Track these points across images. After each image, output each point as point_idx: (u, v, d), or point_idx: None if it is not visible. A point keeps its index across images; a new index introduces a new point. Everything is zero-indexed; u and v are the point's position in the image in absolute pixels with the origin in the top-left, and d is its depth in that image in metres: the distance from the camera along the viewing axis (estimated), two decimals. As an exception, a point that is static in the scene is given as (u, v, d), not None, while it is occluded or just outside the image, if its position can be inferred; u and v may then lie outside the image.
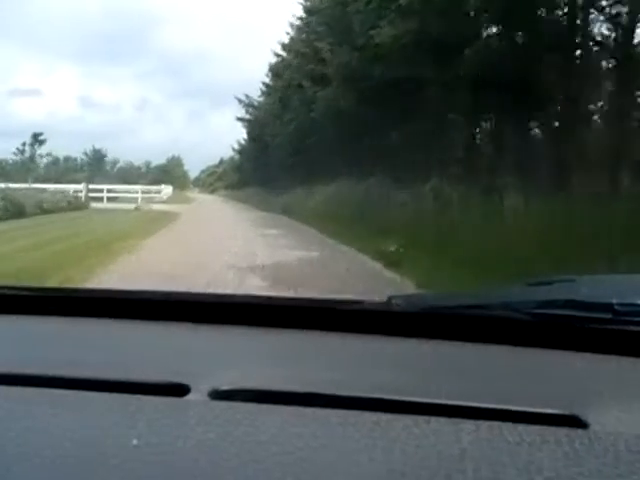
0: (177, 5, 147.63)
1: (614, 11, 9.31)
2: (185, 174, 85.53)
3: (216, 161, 75.91)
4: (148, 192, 35.91)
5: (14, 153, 65.03)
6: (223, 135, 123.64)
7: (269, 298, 1.25)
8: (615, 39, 9.52)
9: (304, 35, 21.09)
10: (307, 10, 21.06)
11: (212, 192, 64.23)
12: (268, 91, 29.33)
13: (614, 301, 0.95)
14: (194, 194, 58.61)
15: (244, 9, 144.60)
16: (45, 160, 69.77)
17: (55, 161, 74.24)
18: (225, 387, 0.76)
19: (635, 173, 8.82)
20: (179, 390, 0.76)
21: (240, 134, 43.68)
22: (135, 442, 0.62)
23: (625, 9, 9.17)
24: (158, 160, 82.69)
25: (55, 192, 25.82)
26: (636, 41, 9.30)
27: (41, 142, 65.85)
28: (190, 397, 0.75)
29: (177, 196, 40.97)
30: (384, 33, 10.03)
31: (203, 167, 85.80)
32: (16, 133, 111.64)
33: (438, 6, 9.56)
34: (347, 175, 16.88)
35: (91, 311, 1.12)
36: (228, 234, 12.38)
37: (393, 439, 0.63)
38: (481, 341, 0.96)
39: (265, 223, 16.60)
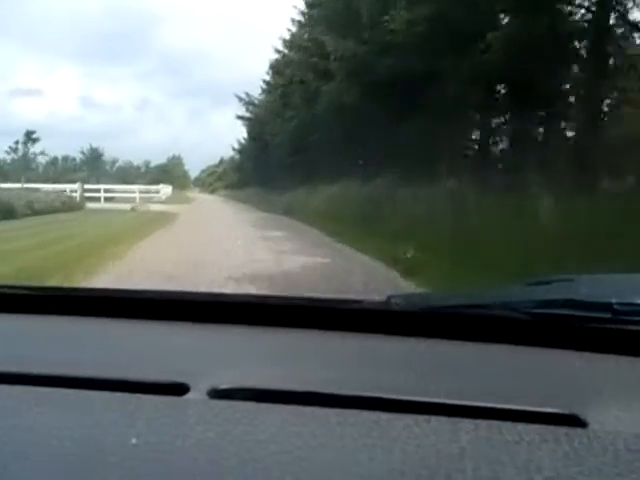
0: (177, 4, 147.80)
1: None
2: (185, 174, 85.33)
3: (217, 161, 75.33)
4: (147, 192, 35.83)
5: (6, 152, 64.36)
6: (224, 134, 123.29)
7: (268, 297, 1.25)
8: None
9: (307, 29, 20.73)
10: (309, 4, 20.62)
11: (212, 192, 63.92)
12: (269, 89, 29.08)
13: (613, 300, 0.95)
14: (194, 194, 58.28)
15: (244, 7, 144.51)
16: (39, 159, 69.21)
17: (54, 161, 73.79)
18: (224, 386, 0.76)
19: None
20: (178, 389, 0.76)
21: (240, 133, 43.45)
22: (134, 441, 0.63)
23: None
24: (159, 160, 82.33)
25: (48, 192, 25.18)
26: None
27: (34, 140, 65.20)
28: (189, 396, 0.75)
29: (176, 196, 40.79)
30: (399, 18, 9.29)
31: (204, 167, 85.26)
32: (17, 133, 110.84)
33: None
34: (352, 174, 16.39)
35: (90, 310, 1.12)
36: (227, 237, 11.53)
37: (393, 438, 0.63)
38: (480, 340, 0.96)
39: (266, 224, 15.88)
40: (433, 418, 0.67)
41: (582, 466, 0.57)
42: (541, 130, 10.18)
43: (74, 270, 6.92)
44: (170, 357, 0.93)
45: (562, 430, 0.64)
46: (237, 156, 45.88)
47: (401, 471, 0.57)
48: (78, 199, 26.36)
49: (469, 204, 9.00)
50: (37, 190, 24.76)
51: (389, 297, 1.07)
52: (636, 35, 9.29)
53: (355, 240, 10.12)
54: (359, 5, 12.82)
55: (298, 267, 7.77)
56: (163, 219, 17.13)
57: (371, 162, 15.65)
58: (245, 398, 0.72)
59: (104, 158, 78.36)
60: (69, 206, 22.42)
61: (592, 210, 6.92)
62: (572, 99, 9.66)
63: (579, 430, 0.65)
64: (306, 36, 20.52)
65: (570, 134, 10.12)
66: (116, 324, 1.09)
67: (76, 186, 29.34)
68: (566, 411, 0.69)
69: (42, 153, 68.69)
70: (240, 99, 33.31)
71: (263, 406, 0.70)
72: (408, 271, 6.85)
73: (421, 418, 0.66)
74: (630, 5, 8.73)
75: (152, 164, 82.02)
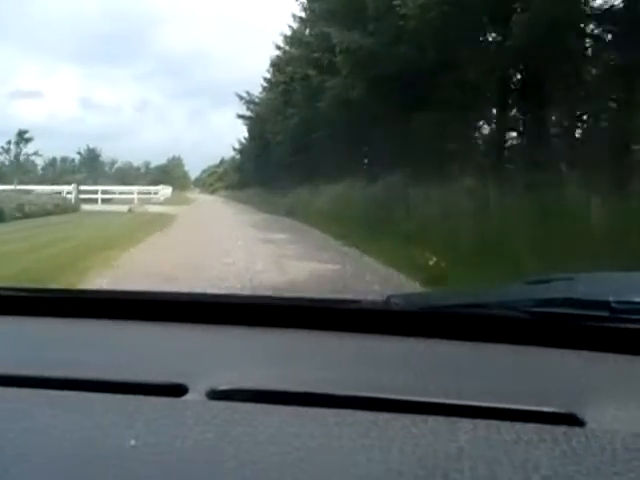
0: (176, 5, 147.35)
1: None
2: (185, 174, 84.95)
3: (217, 161, 74.76)
4: (146, 193, 35.32)
5: (-1, 152, 63.59)
6: (224, 134, 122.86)
7: (267, 298, 1.25)
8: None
9: (309, 23, 20.13)
10: (311, -3, 19.95)
11: (213, 192, 63.34)
12: (269, 86, 28.45)
13: (611, 299, 0.94)
14: (194, 195, 57.76)
15: (244, 7, 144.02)
16: (36, 160, 68.47)
17: (52, 162, 73.16)
18: (223, 387, 0.76)
19: None
20: (177, 390, 0.76)
21: (241, 133, 43.01)
22: (133, 442, 0.62)
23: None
24: (159, 161, 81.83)
25: (41, 194, 24.37)
26: None
27: (27, 140, 64.36)
28: (188, 397, 0.75)
29: (176, 197, 40.32)
30: (411, 3, 8.56)
31: (204, 167, 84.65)
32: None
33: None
34: (357, 173, 15.69)
35: (89, 312, 1.12)
36: (226, 241, 10.78)
37: (391, 438, 0.63)
38: (479, 340, 0.95)
39: (268, 226, 15.18)
40: (431, 418, 0.66)
41: (580, 465, 0.57)
42: (566, 124, 9.44)
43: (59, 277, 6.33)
44: (168, 358, 0.93)
45: (560, 429, 0.64)
46: (238, 156, 45.36)
47: (399, 471, 0.57)
48: (73, 201, 25.66)
49: (491, 203, 8.26)
50: (30, 192, 24.02)
51: (388, 297, 1.07)
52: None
53: (366, 244, 9.38)
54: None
55: (305, 274, 7.05)
56: (160, 221, 16.47)
57: (377, 161, 14.95)
58: (244, 399, 0.72)
59: (103, 159, 77.87)
60: (63, 208, 21.66)
61: (627, 209, 6.52)
62: (600, 91, 8.90)
63: (577, 429, 0.65)
64: (308, 31, 20.05)
65: (596, 129, 9.38)
66: (114, 325, 1.09)
67: (71, 187, 28.67)
68: (564, 410, 0.69)
69: (35, 153, 67.80)
70: (241, 98, 32.79)
71: (262, 407, 0.70)
72: (434, 281, 6.05)
73: (419, 418, 0.66)
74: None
75: (152, 165, 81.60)
